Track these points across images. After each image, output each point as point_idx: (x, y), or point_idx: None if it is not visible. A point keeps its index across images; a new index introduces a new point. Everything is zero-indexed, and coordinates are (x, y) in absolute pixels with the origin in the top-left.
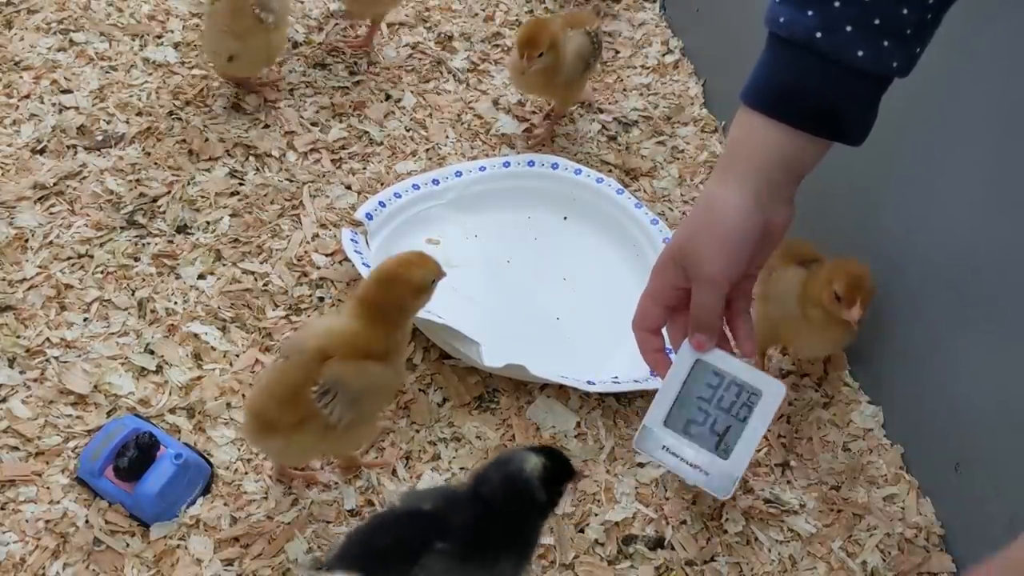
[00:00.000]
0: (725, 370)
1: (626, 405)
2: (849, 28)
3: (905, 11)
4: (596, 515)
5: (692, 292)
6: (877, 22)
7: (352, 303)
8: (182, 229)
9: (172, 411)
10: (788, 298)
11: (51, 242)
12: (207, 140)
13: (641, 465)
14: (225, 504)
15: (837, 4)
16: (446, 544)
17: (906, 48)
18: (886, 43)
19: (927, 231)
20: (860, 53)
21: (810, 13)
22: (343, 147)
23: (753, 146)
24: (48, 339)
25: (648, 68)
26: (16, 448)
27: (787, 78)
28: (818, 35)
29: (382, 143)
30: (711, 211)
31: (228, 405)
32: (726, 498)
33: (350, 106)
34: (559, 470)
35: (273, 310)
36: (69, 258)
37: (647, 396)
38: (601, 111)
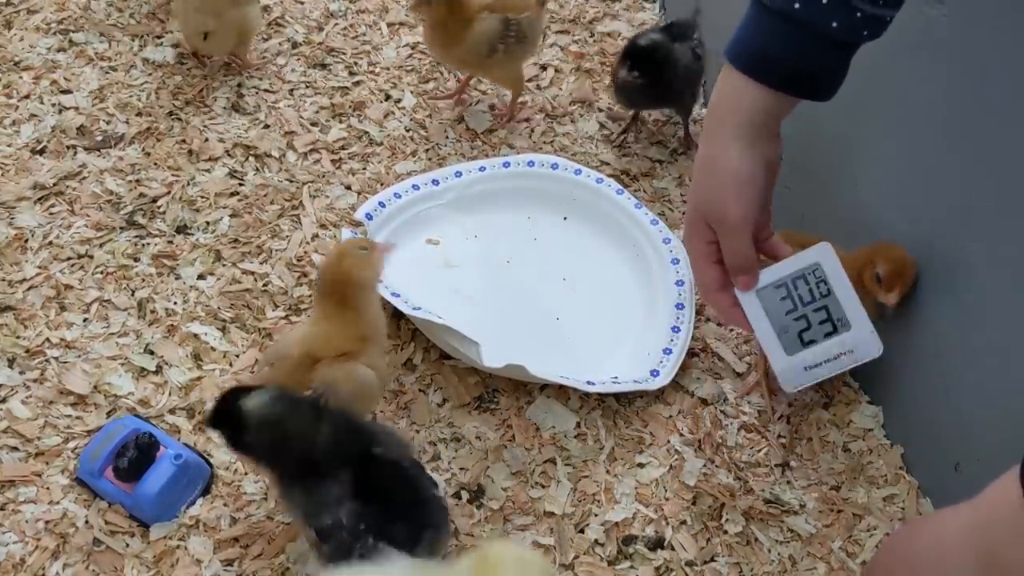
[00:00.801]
0: (779, 278)
1: (626, 405)
2: (825, 0)
3: None
4: (596, 515)
5: (720, 243)
6: None
7: (315, 307)
8: (182, 229)
9: (172, 411)
10: None
11: (51, 242)
12: (207, 140)
13: (641, 465)
14: (225, 504)
15: None
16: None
17: (877, 17)
18: (859, 14)
19: (928, 230)
20: (834, 24)
21: None
22: (343, 147)
23: (736, 101)
24: (48, 339)
25: None
26: (16, 448)
27: (767, 43)
28: (796, 6)
29: (382, 143)
30: (714, 166)
31: None
32: (881, 351)
33: (350, 106)
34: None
35: (273, 310)
36: (69, 258)
37: (647, 396)
38: (601, 111)
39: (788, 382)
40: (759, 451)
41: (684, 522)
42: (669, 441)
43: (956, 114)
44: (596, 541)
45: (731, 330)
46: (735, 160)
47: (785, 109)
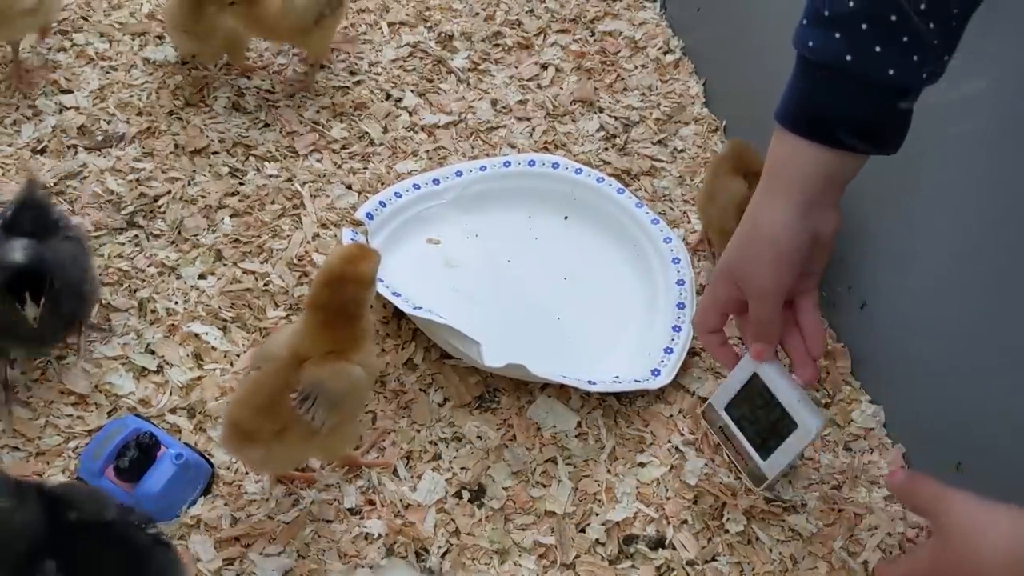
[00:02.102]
0: (774, 393)
1: (627, 405)
2: (878, 48)
3: (931, 24)
4: (597, 515)
5: (748, 305)
6: (905, 39)
7: (307, 312)
8: (182, 229)
9: (173, 411)
10: (728, 210)
11: None
12: (208, 140)
13: (642, 465)
14: (226, 504)
15: (864, 26)
16: None
17: (935, 58)
18: (915, 57)
19: (929, 230)
20: (891, 72)
21: (838, 36)
22: (344, 147)
23: (795, 165)
24: None
25: (648, 67)
26: (17, 448)
27: (821, 101)
28: (848, 58)
29: (383, 143)
30: (758, 228)
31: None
32: (756, 489)
33: (351, 106)
34: None
35: (274, 310)
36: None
37: (648, 395)
38: (601, 110)
39: (705, 413)
40: None
41: (685, 521)
42: (670, 440)
43: (960, 115)
44: (597, 540)
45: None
46: (780, 229)
47: (849, 170)
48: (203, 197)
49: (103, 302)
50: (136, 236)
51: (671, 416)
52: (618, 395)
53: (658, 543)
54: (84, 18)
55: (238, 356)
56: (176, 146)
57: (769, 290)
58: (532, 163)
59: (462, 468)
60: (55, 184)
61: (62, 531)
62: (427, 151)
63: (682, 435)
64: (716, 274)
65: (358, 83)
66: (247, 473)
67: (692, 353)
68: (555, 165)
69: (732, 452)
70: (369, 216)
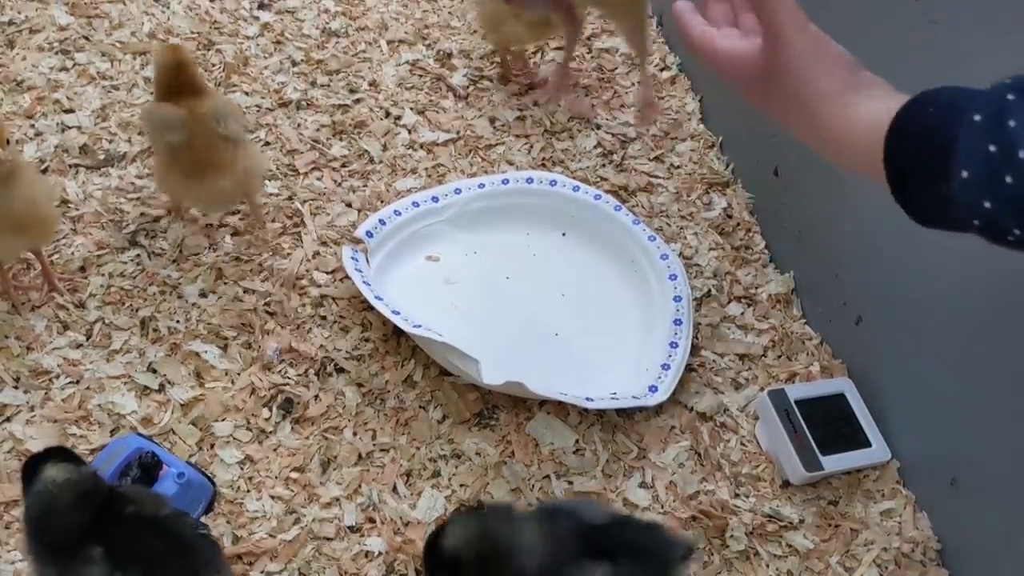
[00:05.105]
0: (856, 413)
1: (625, 420)
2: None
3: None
4: None
5: None
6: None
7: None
8: (184, 248)
9: (174, 430)
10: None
11: (53, 262)
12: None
13: (641, 481)
14: (228, 522)
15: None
16: None
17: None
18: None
19: (923, 245)
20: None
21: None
22: (343, 165)
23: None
24: (52, 359)
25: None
26: None
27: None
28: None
29: (382, 161)
30: None
31: (230, 423)
32: (796, 475)
33: (350, 124)
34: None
35: (274, 328)
36: (72, 277)
37: (646, 411)
38: (599, 127)
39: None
40: (758, 466)
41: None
42: (668, 456)
43: None
44: None
45: (730, 342)
46: None
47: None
48: (204, 216)
49: (105, 321)
50: (138, 255)
51: (670, 431)
52: (616, 411)
53: None
54: (86, 38)
55: (238, 374)
56: None
57: None
58: (530, 180)
59: (461, 485)
60: (57, 205)
61: (118, 522)
62: (426, 168)
63: (680, 451)
64: None
65: (358, 101)
66: (248, 491)
67: (689, 368)
68: (553, 183)
69: (778, 435)
70: (369, 234)
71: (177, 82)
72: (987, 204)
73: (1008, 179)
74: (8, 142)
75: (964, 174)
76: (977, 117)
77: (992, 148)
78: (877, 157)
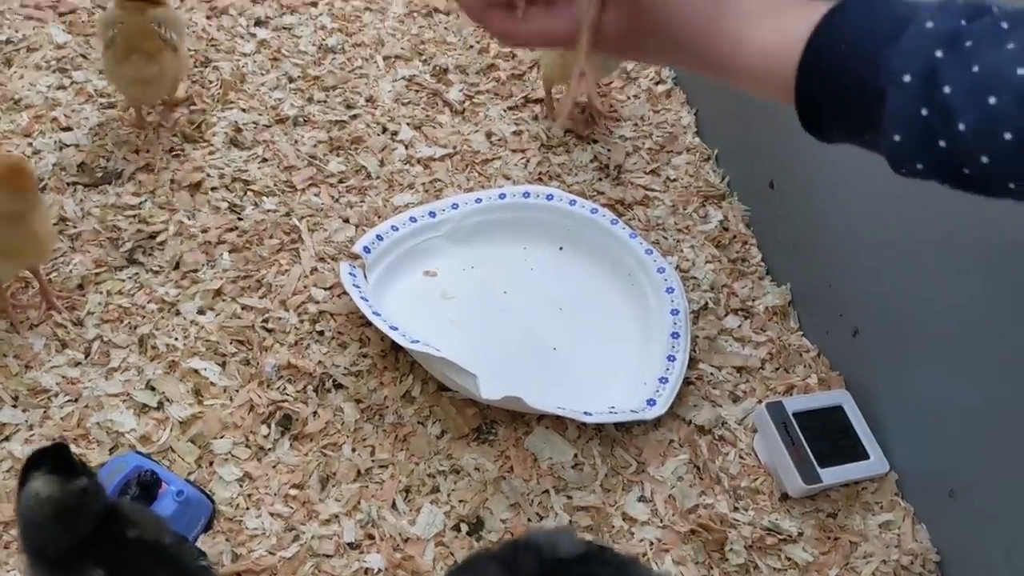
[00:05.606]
0: (854, 425)
1: (623, 434)
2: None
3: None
4: None
5: None
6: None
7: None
8: (182, 265)
9: (173, 448)
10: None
11: (52, 280)
12: (206, 175)
13: (640, 495)
14: (227, 540)
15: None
16: None
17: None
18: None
19: (918, 256)
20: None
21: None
22: (341, 180)
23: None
24: (50, 377)
25: (640, 97)
26: None
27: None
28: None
29: (379, 176)
30: None
31: (229, 440)
32: (794, 488)
33: (347, 140)
34: None
35: (273, 345)
36: (70, 296)
37: (644, 424)
38: (595, 141)
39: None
40: (757, 479)
41: (684, 551)
42: (667, 470)
43: None
44: None
45: (727, 355)
46: None
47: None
48: (203, 233)
49: (103, 339)
50: (136, 273)
51: (668, 444)
52: (615, 424)
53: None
54: (83, 56)
55: (237, 391)
56: (174, 182)
57: None
58: (527, 195)
59: (460, 501)
60: (55, 223)
61: (121, 545)
62: (423, 184)
63: (679, 464)
64: None
65: (355, 117)
66: (247, 509)
67: (687, 382)
68: (549, 197)
69: (776, 447)
70: (366, 250)
71: None
72: (919, 165)
73: (942, 143)
74: (31, 188)
75: (896, 137)
76: (907, 78)
77: (924, 112)
78: (782, 89)
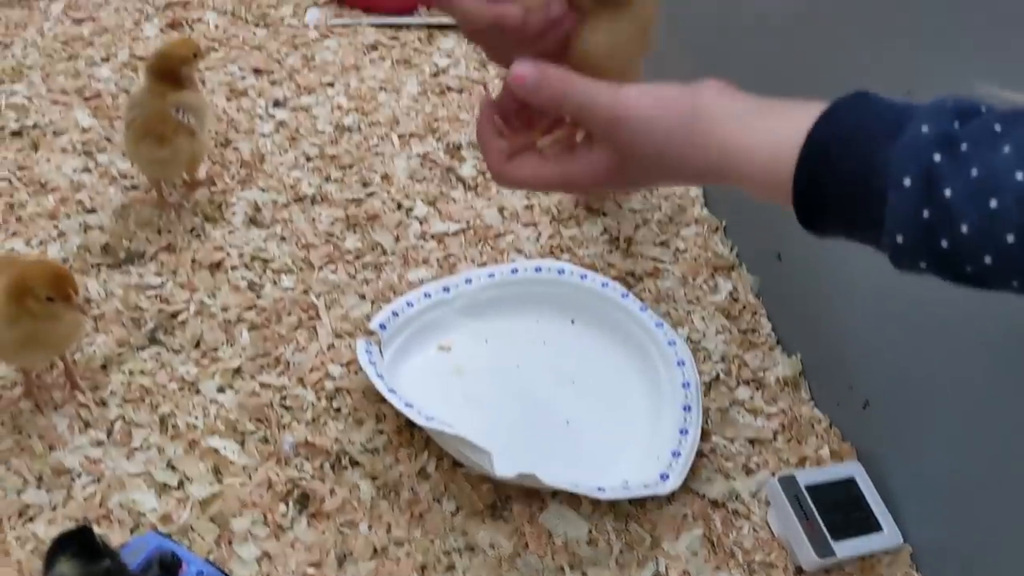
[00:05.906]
0: (867, 497)
1: (637, 508)
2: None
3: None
4: None
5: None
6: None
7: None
8: (202, 344)
9: (193, 527)
10: None
11: (76, 360)
12: (226, 255)
13: (655, 571)
14: None
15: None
16: None
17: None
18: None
19: (928, 327)
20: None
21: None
22: (357, 257)
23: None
24: (74, 457)
25: None
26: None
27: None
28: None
29: (395, 252)
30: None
31: (248, 519)
32: (808, 562)
33: (364, 217)
34: None
35: (290, 422)
36: (93, 376)
37: (658, 499)
38: (605, 214)
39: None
40: (771, 552)
41: None
42: (681, 545)
43: None
44: None
45: (740, 426)
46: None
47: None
48: (223, 311)
49: (125, 419)
50: (158, 352)
51: (683, 518)
52: (629, 499)
53: None
54: (108, 139)
55: (256, 469)
56: (195, 261)
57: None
58: (539, 269)
59: None
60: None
61: None
62: (437, 259)
63: (693, 538)
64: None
65: (371, 195)
66: None
67: (700, 454)
68: (560, 271)
69: (789, 521)
70: (382, 326)
71: (171, 71)
72: (922, 263)
73: (944, 243)
74: (76, 292)
75: (899, 238)
76: (907, 182)
77: (926, 214)
78: (779, 191)
